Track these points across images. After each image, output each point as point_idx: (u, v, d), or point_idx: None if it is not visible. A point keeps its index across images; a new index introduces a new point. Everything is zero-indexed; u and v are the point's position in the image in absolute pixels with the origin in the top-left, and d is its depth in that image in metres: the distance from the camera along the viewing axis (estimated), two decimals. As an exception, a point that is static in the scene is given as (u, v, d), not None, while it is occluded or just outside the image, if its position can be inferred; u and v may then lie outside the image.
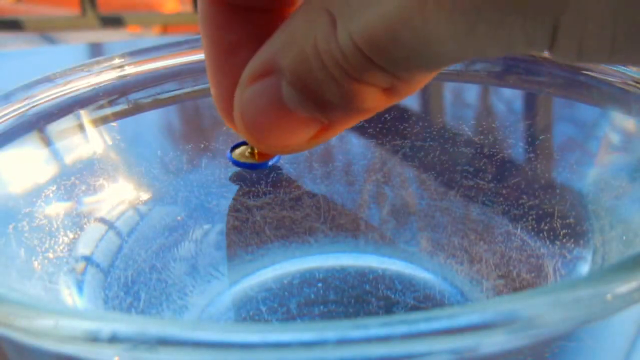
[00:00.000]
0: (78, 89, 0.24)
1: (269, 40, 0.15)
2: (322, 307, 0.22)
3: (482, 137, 0.25)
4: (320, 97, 0.14)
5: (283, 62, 0.14)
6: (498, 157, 0.25)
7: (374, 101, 0.14)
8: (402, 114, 0.27)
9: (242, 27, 0.16)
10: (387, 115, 0.27)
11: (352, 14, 0.13)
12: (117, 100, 0.25)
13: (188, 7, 1.25)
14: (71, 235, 0.22)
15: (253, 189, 0.26)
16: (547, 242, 0.22)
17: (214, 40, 0.16)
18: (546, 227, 0.22)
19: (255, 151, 0.23)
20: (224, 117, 0.17)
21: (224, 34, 0.16)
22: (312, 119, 0.15)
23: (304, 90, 0.14)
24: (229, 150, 0.24)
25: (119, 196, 0.24)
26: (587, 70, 0.23)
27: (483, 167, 0.25)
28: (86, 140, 0.24)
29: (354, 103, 0.14)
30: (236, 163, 0.24)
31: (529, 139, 0.25)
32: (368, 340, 0.11)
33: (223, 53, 0.16)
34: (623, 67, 0.22)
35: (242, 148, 0.23)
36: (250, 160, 0.23)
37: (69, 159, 0.23)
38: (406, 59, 0.13)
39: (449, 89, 0.28)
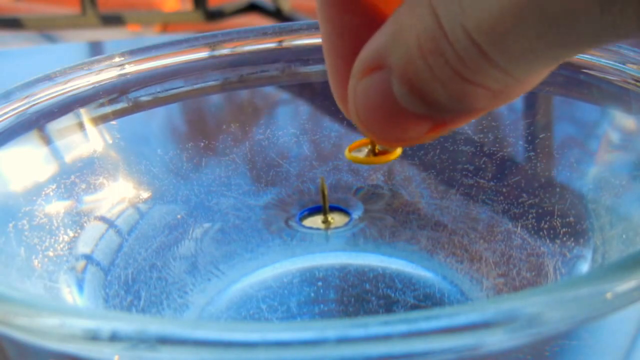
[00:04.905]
0: (78, 88, 0.24)
1: (379, 32, 0.14)
2: (322, 306, 0.22)
3: (482, 135, 0.25)
4: (429, 97, 0.14)
5: (391, 60, 0.14)
6: (498, 155, 0.25)
7: (484, 102, 0.13)
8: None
9: (360, 8, 0.15)
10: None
11: (465, 7, 0.12)
12: (117, 99, 0.25)
13: (188, 6, 1.24)
14: (71, 234, 0.22)
15: (253, 187, 0.26)
16: (547, 241, 0.22)
17: (331, 22, 0.16)
18: (546, 226, 0.22)
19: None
20: (340, 106, 0.16)
21: (342, 15, 0.16)
22: (424, 117, 0.14)
23: (413, 90, 0.14)
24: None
25: (119, 195, 0.24)
26: (587, 68, 0.23)
27: (483, 165, 0.25)
28: (86, 138, 0.24)
29: (463, 104, 0.13)
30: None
31: (529, 138, 0.25)
32: (368, 339, 0.11)
33: (339, 36, 0.16)
34: (623, 66, 0.22)
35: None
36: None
37: (69, 158, 0.23)
38: (527, 51, 0.12)
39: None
